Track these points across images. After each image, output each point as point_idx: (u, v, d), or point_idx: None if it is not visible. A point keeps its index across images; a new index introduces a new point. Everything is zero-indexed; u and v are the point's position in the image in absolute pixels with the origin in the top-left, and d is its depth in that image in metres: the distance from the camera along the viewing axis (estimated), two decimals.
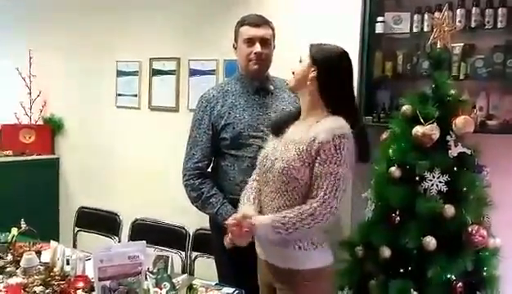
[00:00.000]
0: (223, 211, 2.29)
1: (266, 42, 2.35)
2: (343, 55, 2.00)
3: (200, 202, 2.36)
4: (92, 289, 1.93)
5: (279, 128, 2.05)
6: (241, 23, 2.40)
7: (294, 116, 2.06)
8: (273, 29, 2.42)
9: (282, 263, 1.94)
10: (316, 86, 1.95)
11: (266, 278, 2.06)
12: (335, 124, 1.87)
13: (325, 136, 1.82)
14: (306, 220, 1.82)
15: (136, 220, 3.16)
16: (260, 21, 2.37)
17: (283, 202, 1.90)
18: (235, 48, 2.43)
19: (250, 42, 2.33)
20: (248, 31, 2.35)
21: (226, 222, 1.93)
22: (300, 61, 2.01)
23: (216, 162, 2.43)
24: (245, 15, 2.43)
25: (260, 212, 1.98)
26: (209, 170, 2.45)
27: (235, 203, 2.24)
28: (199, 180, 2.37)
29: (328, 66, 1.96)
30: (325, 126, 1.86)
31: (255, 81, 2.38)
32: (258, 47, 2.32)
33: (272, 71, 2.50)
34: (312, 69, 1.96)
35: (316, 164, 1.83)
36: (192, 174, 2.38)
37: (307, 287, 1.92)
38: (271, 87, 2.38)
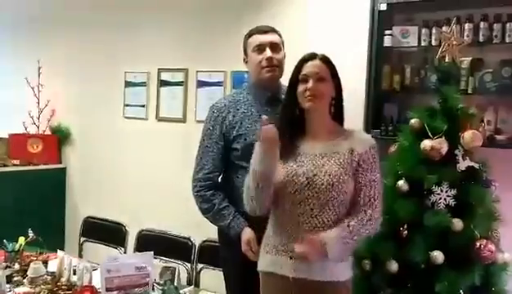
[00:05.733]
0: (235, 224, 2.26)
1: (276, 47, 2.33)
2: None
3: (211, 214, 2.32)
4: None
5: (287, 151, 1.96)
6: (249, 34, 2.39)
7: (290, 131, 1.98)
8: (281, 37, 2.40)
9: (325, 277, 1.90)
10: (330, 102, 1.97)
11: None
12: (365, 136, 2.03)
13: (363, 148, 1.91)
14: (366, 225, 1.87)
15: (142, 230, 3.16)
16: (267, 28, 2.37)
17: (328, 217, 1.88)
18: (246, 62, 2.41)
19: (260, 48, 2.31)
20: (257, 39, 2.33)
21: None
22: (322, 80, 1.93)
23: (226, 173, 2.41)
24: (252, 28, 2.41)
25: None
26: (219, 180, 2.43)
27: (246, 216, 2.23)
28: (211, 192, 2.33)
29: (340, 82, 1.99)
30: (359, 138, 1.96)
31: (266, 91, 2.37)
32: (268, 52, 2.28)
33: (282, 81, 2.48)
34: (334, 90, 1.97)
35: (360, 174, 1.90)
36: (203, 185, 2.34)
37: None
38: (283, 97, 2.35)
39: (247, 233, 2.21)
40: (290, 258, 1.92)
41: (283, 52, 2.37)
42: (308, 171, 1.90)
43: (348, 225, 1.86)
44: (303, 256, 1.83)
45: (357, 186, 1.90)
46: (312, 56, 1.98)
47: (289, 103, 2.02)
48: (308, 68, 1.95)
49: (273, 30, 2.37)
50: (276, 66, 2.32)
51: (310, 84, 1.92)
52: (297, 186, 1.90)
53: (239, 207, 2.29)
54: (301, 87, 1.94)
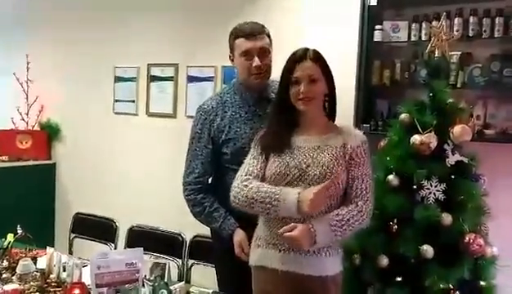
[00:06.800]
0: (226, 226, 2.25)
1: (264, 52, 2.24)
2: None
3: (203, 217, 2.31)
4: None
5: (281, 144, 1.98)
6: (235, 35, 2.27)
7: (282, 127, 2.00)
8: (269, 36, 2.30)
9: (313, 271, 1.92)
10: (323, 99, 1.97)
11: (274, 290, 1.98)
12: (357, 131, 2.02)
13: (355, 142, 1.93)
14: (356, 216, 1.87)
15: (133, 226, 3.15)
16: (255, 31, 2.24)
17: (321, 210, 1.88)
18: (232, 60, 2.33)
19: (248, 54, 2.22)
20: (244, 44, 2.22)
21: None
22: (315, 81, 1.92)
23: (217, 175, 2.37)
24: (238, 25, 2.30)
25: None
26: (210, 182, 2.41)
27: (238, 218, 2.22)
28: (201, 195, 2.32)
29: (332, 78, 1.98)
30: (351, 134, 1.97)
31: (254, 92, 2.31)
32: (257, 61, 2.21)
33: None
34: (326, 86, 1.97)
35: (352, 167, 1.91)
36: (194, 188, 2.33)
37: (337, 291, 1.99)
38: (272, 95, 2.31)
39: (238, 235, 2.21)
40: (279, 251, 1.92)
41: (271, 55, 2.29)
42: (301, 162, 1.90)
43: (338, 214, 1.86)
44: (292, 240, 1.82)
45: (348, 179, 1.91)
46: (302, 56, 1.94)
47: (281, 102, 2.00)
48: (300, 70, 1.93)
49: (261, 31, 2.26)
50: (265, 72, 2.26)
51: (302, 87, 1.91)
52: (289, 178, 1.90)
53: (231, 207, 2.28)
54: (293, 89, 1.93)
